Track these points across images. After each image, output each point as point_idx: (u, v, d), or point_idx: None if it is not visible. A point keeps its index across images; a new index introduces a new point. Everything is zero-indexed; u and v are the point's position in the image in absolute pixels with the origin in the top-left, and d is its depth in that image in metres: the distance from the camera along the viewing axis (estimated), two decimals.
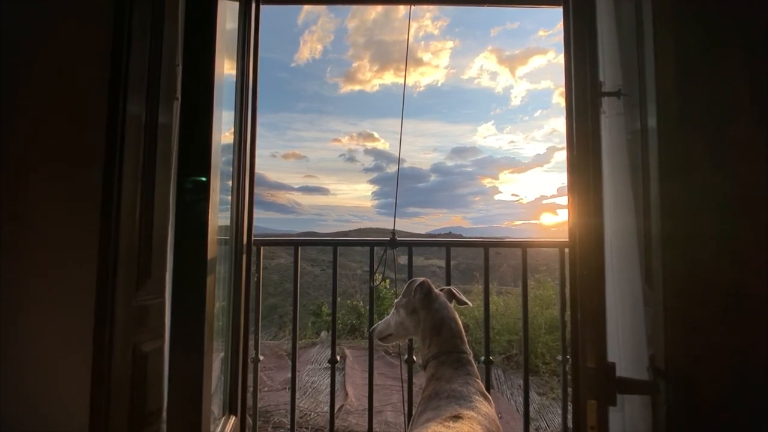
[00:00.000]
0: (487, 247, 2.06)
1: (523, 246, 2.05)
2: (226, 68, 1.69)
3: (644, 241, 1.28)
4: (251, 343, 1.98)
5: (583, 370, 1.11)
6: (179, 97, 1.21)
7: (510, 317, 5.70)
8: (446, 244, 2.12)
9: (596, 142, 1.15)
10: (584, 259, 1.13)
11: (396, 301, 1.60)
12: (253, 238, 1.88)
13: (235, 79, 1.76)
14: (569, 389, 1.98)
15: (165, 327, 1.18)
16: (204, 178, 1.16)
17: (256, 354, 1.99)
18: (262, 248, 2.02)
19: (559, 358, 2.05)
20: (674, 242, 1.15)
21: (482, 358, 2.02)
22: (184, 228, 1.18)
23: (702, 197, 1.17)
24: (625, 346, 1.27)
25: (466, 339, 1.42)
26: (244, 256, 1.75)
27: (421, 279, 1.51)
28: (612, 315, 1.23)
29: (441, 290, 1.56)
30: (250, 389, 2.05)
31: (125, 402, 1.11)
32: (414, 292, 1.48)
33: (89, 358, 1.09)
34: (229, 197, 1.75)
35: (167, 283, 1.20)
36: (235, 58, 1.75)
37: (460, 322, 1.45)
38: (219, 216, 1.60)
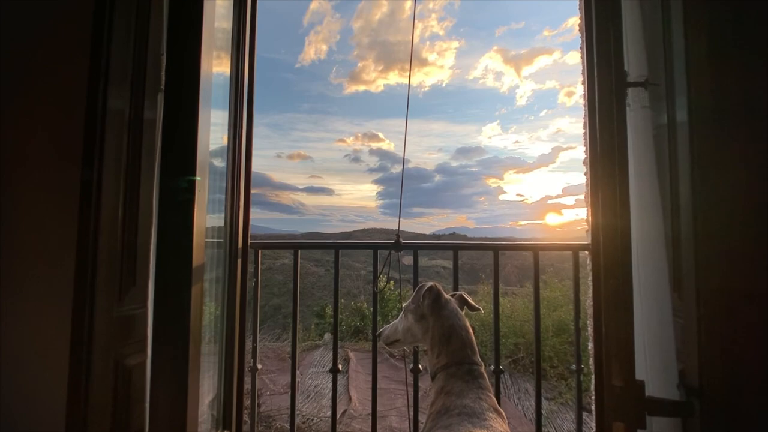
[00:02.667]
0: (497, 250, 1.93)
1: (535, 249, 1.92)
2: (222, 65, 1.60)
3: (672, 246, 1.17)
4: (250, 350, 1.90)
5: (609, 388, 1.00)
6: (163, 89, 1.11)
7: (516, 319, 5.58)
8: (454, 248, 1.99)
9: (622, 136, 1.04)
10: (610, 267, 1.02)
11: (404, 305, 1.51)
12: (250, 241, 1.79)
13: (229, 75, 1.66)
14: (584, 397, 1.87)
15: (148, 340, 1.09)
16: (189, 177, 1.06)
17: (254, 363, 1.90)
18: (260, 251, 1.93)
19: (573, 367, 1.93)
20: (709, 246, 1.04)
21: (491, 367, 1.91)
22: (168, 232, 1.08)
23: (739, 197, 1.06)
24: (652, 361, 1.16)
25: (477, 349, 1.33)
26: (239, 261, 1.65)
27: (431, 283, 1.41)
28: (637, 326, 1.12)
29: (452, 295, 1.46)
30: (249, 399, 1.97)
31: (105, 421, 1.01)
32: (422, 298, 1.38)
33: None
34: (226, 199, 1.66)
35: (150, 291, 1.10)
36: (230, 52, 1.65)
37: (471, 331, 1.35)
38: (212, 218, 1.50)
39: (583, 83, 1.72)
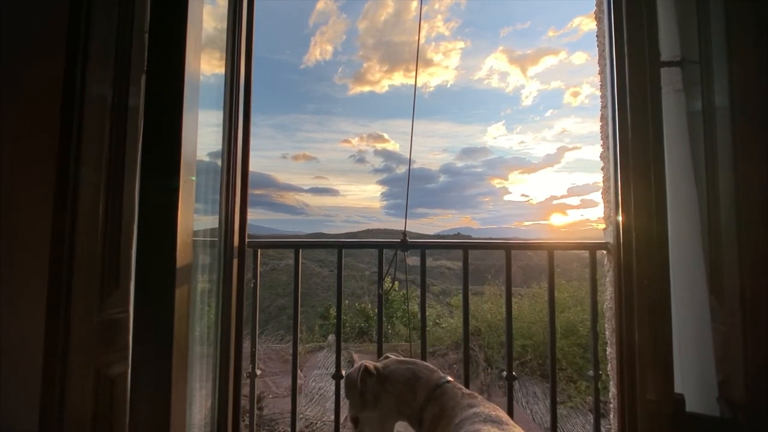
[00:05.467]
0: (509, 249, 1.81)
1: (550, 248, 1.79)
2: (219, 64, 1.52)
3: (710, 245, 1.05)
4: (249, 354, 1.80)
5: (643, 403, 0.89)
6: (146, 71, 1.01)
7: (523, 321, 5.45)
8: (464, 247, 1.87)
9: (657, 124, 0.93)
10: (643, 269, 0.91)
11: (349, 412, 1.31)
12: (247, 241, 1.69)
13: (224, 73, 1.58)
14: (603, 405, 1.75)
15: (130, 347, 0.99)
16: (173, 171, 0.96)
17: (253, 368, 1.80)
18: (260, 251, 1.83)
19: (590, 373, 1.81)
20: (755, 244, 0.93)
21: (504, 372, 1.80)
22: (150, 230, 0.98)
23: None
24: (687, 372, 1.05)
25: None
26: (236, 261, 1.55)
27: (358, 367, 1.24)
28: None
29: (379, 359, 1.33)
30: (249, 406, 1.87)
31: None
32: (364, 382, 1.21)
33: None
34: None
35: (131, 294, 1.01)
36: (225, 49, 1.56)
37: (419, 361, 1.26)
38: (205, 217, 1.41)
39: (599, 73, 1.61)
